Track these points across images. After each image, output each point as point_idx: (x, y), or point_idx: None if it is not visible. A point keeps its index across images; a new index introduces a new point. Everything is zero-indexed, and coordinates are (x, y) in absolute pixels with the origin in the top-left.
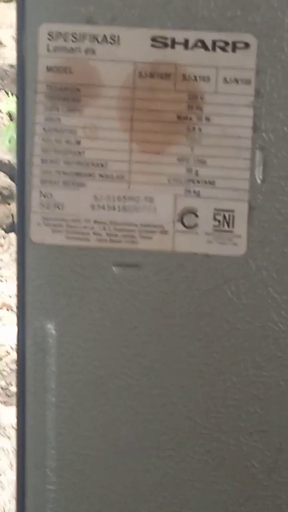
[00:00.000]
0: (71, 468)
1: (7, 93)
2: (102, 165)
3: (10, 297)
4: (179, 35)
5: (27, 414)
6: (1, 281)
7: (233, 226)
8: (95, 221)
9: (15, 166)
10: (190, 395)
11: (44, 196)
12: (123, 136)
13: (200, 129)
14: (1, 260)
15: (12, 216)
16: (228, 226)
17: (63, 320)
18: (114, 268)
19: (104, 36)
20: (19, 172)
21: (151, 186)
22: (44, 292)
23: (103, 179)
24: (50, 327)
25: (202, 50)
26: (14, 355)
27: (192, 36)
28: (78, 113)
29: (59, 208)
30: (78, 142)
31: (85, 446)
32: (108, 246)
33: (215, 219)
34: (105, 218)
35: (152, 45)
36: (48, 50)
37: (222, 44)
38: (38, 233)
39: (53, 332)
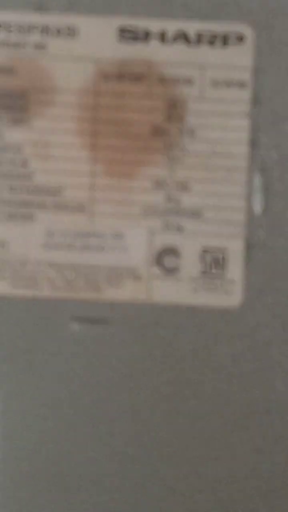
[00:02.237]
0: None
1: None
2: (56, 192)
3: None
4: (154, 26)
5: None
6: None
7: (225, 269)
8: (48, 264)
9: None
10: (172, 486)
11: None
12: (84, 154)
13: (182, 146)
14: None
15: None
16: (219, 269)
17: (8, 393)
18: (73, 325)
19: (58, 27)
20: None
21: (120, 218)
22: None
23: (58, 210)
24: None
25: (183, 45)
26: None
27: (171, 26)
28: (25, 125)
29: (2, 248)
30: (26, 163)
31: None
32: (65, 296)
33: (202, 260)
34: (62, 260)
35: (120, 38)
36: None
37: (209, 37)
38: None
39: None
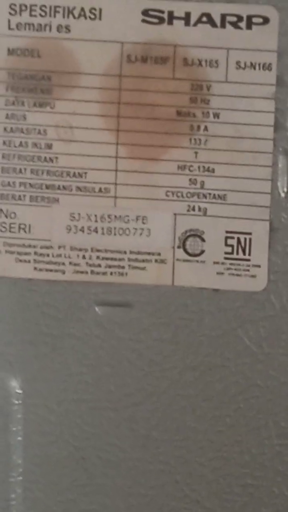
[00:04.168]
0: None
1: None
2: (80, 176)
3: None
4: (179, 8)
5: None
6: None
7: (250, 253)
8: (71, 248)
9: None
10: (197, 472)
11: (6, 216)
12: (108, 137)
13: (206, 128)
14: None
15: None
16: (244, 253)
17: (31, 377)
18: (97, 309)
19: (82, 9)
20: None
21: (143, 202)
22: (7, 340)
23: (82, 193)
24: (15, 386)
25: (208, 27)
26: None
27: (196, 8)
28: (49, 108)
29: (25, 231)
30: (49, 146)
31: None
32: (89, 280)
33: (226, 244)
34: (85, 244)
35: (144, 21)
36: (9, 27)
37: (234, 19)
38: None
39: (18, 391)
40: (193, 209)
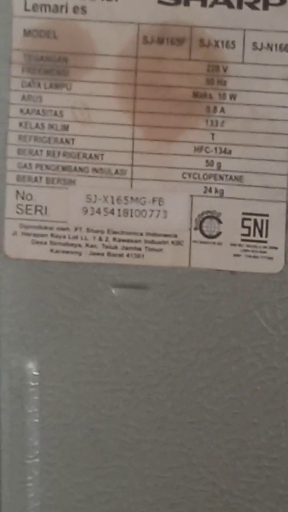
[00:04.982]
0: None
1: None
2: (96, 157)
3: None
4: None
5: (2, 480)
6: None
7: (267, 235)
8: (88, 229)
9: None
10: (214, 454)
11: (22, 198)
12: (124, 119)
13: (223, 110)
14: None
15: None
16: (261, 234)
17: (48, 359)
18: (113, 290)
19: None
20: None
21: (160, 183)
22: (23, 321)
23: (98, 175)
24: (31, 368)
25: (224, 7)
26: None
27: None
28: (65, 89)
29: (41, 213)
30: (66, 128)
31: None
32: (105, 262)
33: (243, 226)
34: (101, 225)
35: (160, 2)
36: (25, 8)
37: (250, 0)
38: (14, 245)
39: (35, 373)
40: (210, 191)
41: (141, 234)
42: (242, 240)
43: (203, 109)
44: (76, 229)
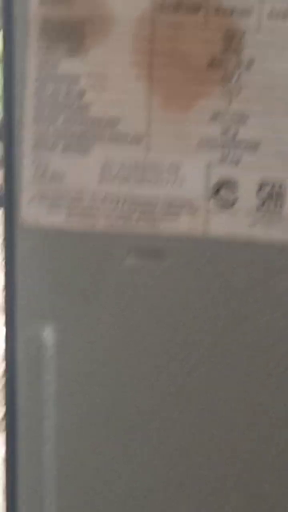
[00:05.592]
0: None
1: None
2: (113, 124)
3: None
4: None
5: (19, 446)
6: None
7: (283, 202)
8: (104, 196)
9: None
10: (233, 422)
11: (38, 165)
12: (140, 86)
13: (239, 78)
14: None
15: None
16: (277, 202)
17: (64, 326)
18: (129, 259)
19: None
20: (5, 134)
21: (176, 151)
22: (39, 289)
23: (115, 142)
24: (48, 335)
25: None
26: None
27: None
28: (82, 56)
29: (58, 180)
30: (82, 94)
31: (92, 491)
32: (121, 229)
33: (259, 193)
34: (117, 192)
35: None
36: None
37: None
38: (30, 212)
39: (51, 341)
40: (226, 159)
41: (157, 202)
42: (259, 208)
43: (219, 77)
44: (92, 196)
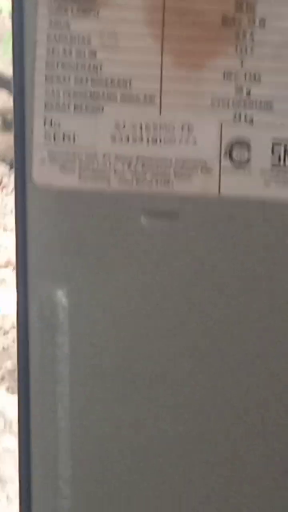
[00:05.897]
0: (87, 478)
1: None
2: (125, 84)
3: None
4: None
5: (32, 408)
6: (5, 232)
7: None
8: (116, 157)
9: None
10: (243, 385)
11: (50, 125)
12: (152, 45)
13: (252, 36)
14: (5, 205)
15: None
16: None
17: (77, 287)
18: (142, 219)
19: None
20: (16, 94)
21: (189, 110)
22: (52, 250)
23: (126, 101)
24: (60, 297)
25: None
26: None
27: None
28: (92, 15)
29: (69, 140)
30: (94, 54)
31: (105, 451)
32: (133, 190)
33: (273, 152)
34: (130, 153)
35: None
36: None
37: None
38: (42, 172)
39: (64, 302)
40: (239, 118)
41: (170, 162)
42: (273, 167)
43: (233, 35)
44: (104, 156)
